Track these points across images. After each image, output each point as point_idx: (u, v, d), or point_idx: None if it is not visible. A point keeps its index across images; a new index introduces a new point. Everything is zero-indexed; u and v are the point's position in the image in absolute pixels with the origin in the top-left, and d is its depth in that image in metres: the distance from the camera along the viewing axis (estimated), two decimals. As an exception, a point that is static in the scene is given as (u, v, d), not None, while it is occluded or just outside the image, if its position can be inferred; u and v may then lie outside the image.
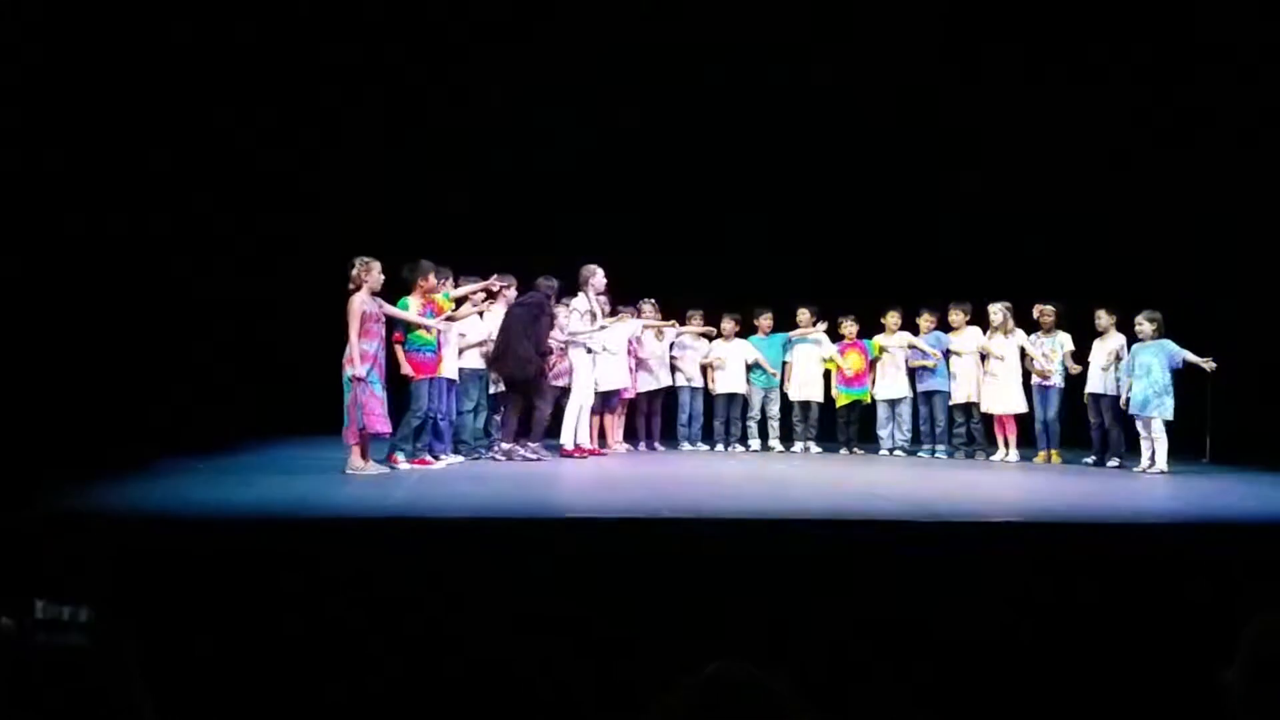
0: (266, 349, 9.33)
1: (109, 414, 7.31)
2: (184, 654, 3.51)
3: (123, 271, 7.81)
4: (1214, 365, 7.68)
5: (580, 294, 8.45)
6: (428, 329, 7.19)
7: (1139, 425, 7.87)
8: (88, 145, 7.53)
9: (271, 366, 9.26)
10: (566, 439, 8.43)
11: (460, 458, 7.70)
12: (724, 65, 10.11)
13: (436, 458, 7.32)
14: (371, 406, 6.55)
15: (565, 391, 8.55)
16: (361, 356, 6.52)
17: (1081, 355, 8.52)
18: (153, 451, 6.90)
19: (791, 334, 9.78)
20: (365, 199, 9.74)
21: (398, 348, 7.10)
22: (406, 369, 7.09)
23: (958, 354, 9.13)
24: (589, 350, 8.51)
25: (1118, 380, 8.15)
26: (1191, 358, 7.73)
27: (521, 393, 7.99)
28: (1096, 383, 8.31)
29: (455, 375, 7.67)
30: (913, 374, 9.43)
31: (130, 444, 6.96)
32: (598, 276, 8.45)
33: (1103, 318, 8.36)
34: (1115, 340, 8.26)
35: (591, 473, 7.45)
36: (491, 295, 8.11)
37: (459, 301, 7.76)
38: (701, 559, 4.41)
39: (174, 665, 3.55)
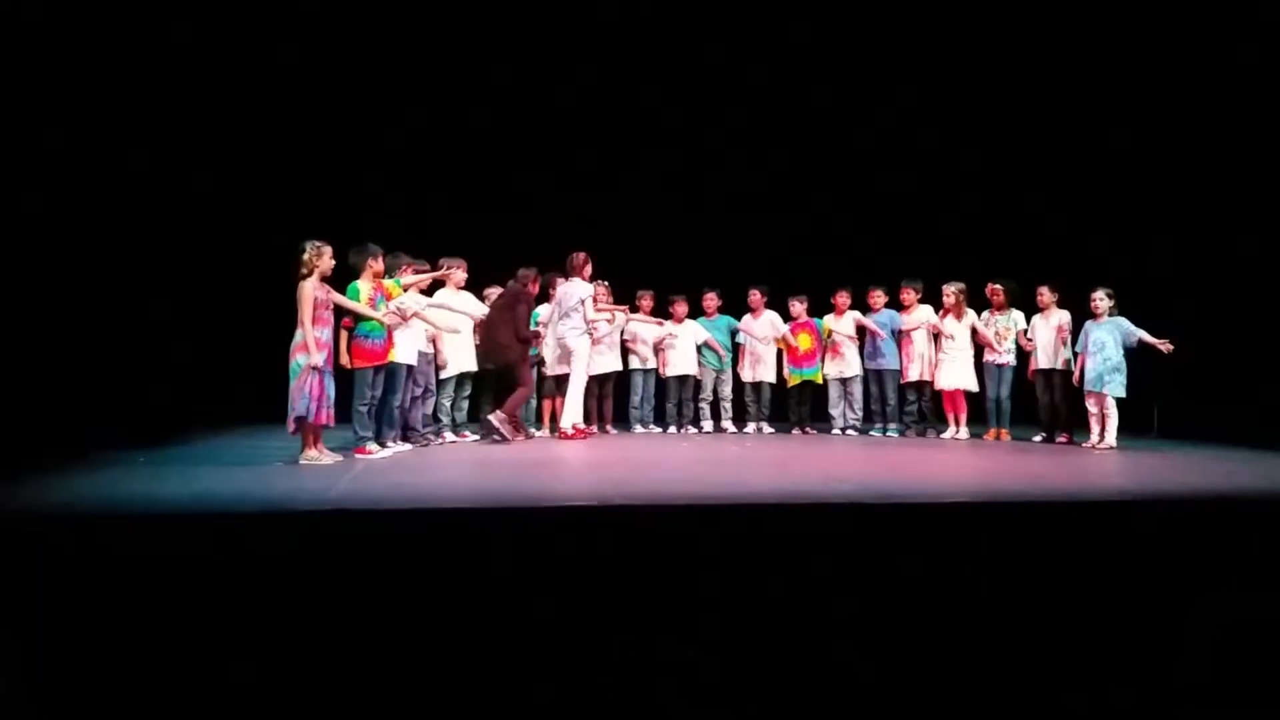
0: (213, 336, 9.14)
1: (44, 402, 7.05)
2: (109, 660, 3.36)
3: (57, 254, 7.52)
4: (1171, 347, 7.72)
5: (574, 279, 8.56)
6: (400, 311, 7.08)
7: (1089, 401, 7.93)
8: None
9: (218, 354, 9.07)
10: (568, 421, 8.60)
11: (408, 445, 7.56)
12: (668, 47, 10.02)
13: (383, 445, 7.17)
14: (321, 396, 6.39)
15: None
16: (318, 345, 6.35)
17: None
18: (89, 442, 6.68)
19: (740, 324, 9.75)
20: (315, 182, 9.54)
21: (344, 334, 6.94)
22: (344, 358, 6.93)
23: (908, 334, 9.14)
24: (588, 333, 8.69)
25: (1067, 358, 8.22)
26: (1148, 339, 7.77)
27: (504, 378, 8.29)
28: (1043, 359, 8.38)
29: (413, 360, 7.52)
30: (863, 353, 9.44)
31: (66, 434, 6.73)
32: (589, 265, 8.63)
33: (1045, 294, 8.43)
34: (1059, 316, 8.32)
35: (541, 458, 7.33)
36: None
37: (409, 289, 7.63)
38: (654, 545, 4.33)
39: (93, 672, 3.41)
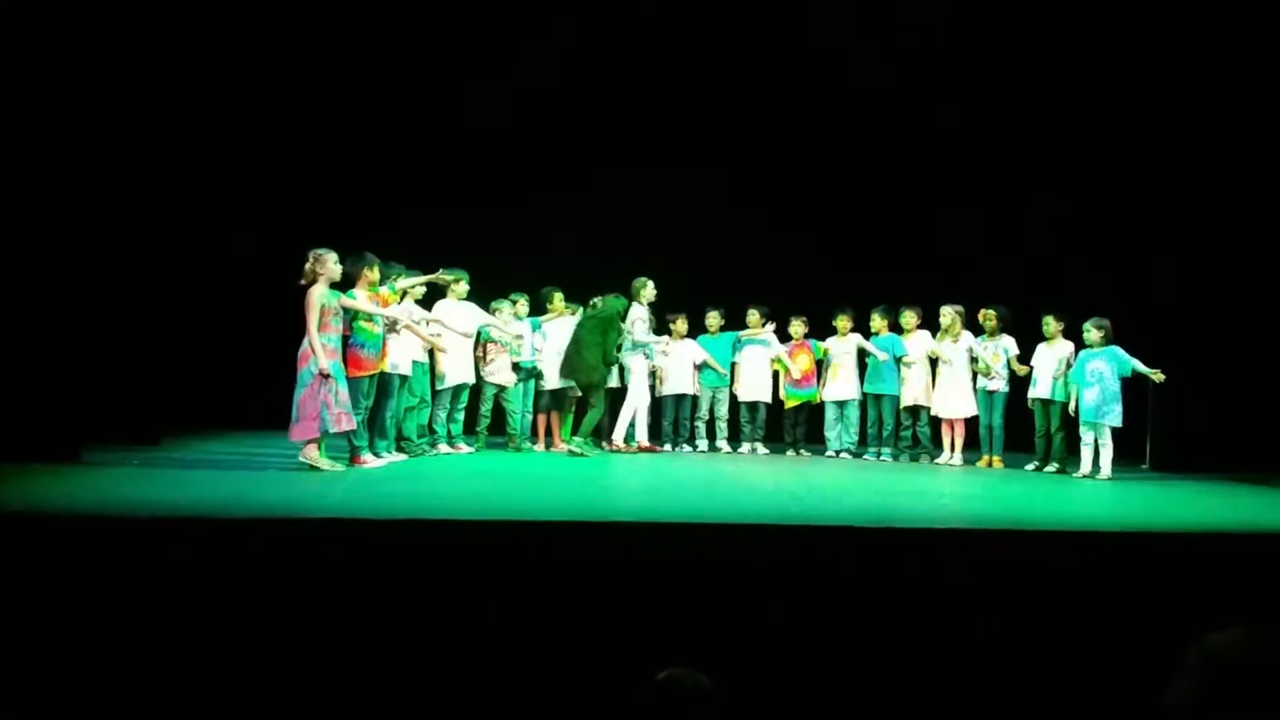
0: (214, 338, 9.14)
1: (36, 401, 7.01)
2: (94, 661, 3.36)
3: (55, 252, 7.49)
4: (1163, 377, 7.74)
5: (634, 304, 8.92)
6: (389, 320, 7.08)
7: (1083, 431, 7.91)
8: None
9: (219, 356, 9.07)
10: (619, 436, 9.01)
11: (403, 455, 7.56)
12: (679, 62, 10.08)
13: (378, 455, 7.17)
14: (335, 404, 6.38)
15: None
16: (326, 352, 6.34)
17: (1025, 359, 8.57)
18: (82, 443, 6.67)
19: (740, 334, 9.76)
20: (321, 190, 9.56)
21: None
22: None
23: (908, 364, 9.16)
24: (646, 356, 9.11)
25: (1067, 388, 8.18)
26: (1141, 368, 7.78)
27: (585, 395, 8.69)
28: (1044, 388, 8.34)
29: (408, 370, 7.54)
30: (863, 376, 9.45)
31: (58, 434, 6.69)
32: (649, 288, 8.97)
33: (1051, 324, 8.38)
34: (1064, 348, 8.30)
35: (534, 473, 7.34)
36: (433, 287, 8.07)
37: (404, 295, 7.67)
38: (644, 564, 4.34)
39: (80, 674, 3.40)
